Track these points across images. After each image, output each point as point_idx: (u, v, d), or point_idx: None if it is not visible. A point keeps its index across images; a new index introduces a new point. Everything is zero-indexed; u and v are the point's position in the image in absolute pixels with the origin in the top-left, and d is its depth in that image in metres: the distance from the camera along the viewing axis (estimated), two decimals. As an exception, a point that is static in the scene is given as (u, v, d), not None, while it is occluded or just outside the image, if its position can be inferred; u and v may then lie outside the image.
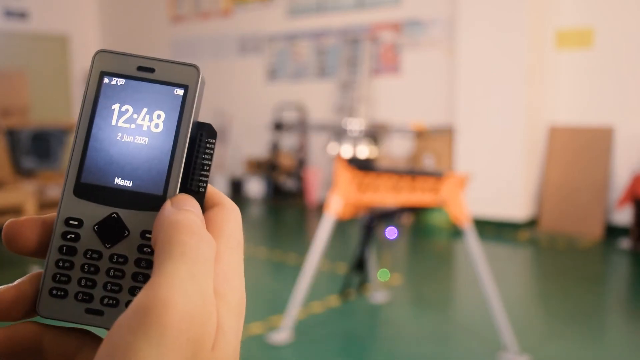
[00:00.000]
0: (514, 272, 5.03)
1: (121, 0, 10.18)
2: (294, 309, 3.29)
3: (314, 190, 7.66)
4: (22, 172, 6.71)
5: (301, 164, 8.12)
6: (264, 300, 4.03)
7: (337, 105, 7.63)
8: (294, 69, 8.16)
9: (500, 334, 3.11)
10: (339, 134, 6.52)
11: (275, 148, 8.20)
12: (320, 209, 6.81)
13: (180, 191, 0.35)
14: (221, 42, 8.84)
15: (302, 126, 8.05)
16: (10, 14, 9.24)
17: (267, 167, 8.24)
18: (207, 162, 0.36)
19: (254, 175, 8.31)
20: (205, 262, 0.31)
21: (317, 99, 7.97)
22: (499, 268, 4.60)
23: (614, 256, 5.39)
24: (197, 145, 0.36)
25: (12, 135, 6.76)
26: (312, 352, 3.22)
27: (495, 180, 6.13)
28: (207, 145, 0.36)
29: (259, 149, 8.58)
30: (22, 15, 9.36)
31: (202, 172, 0.36)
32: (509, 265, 5.15)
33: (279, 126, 8.18)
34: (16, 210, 5.98)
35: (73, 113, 10.16)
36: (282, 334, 3.27)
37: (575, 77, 6.16)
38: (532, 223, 6.26)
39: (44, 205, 6.20)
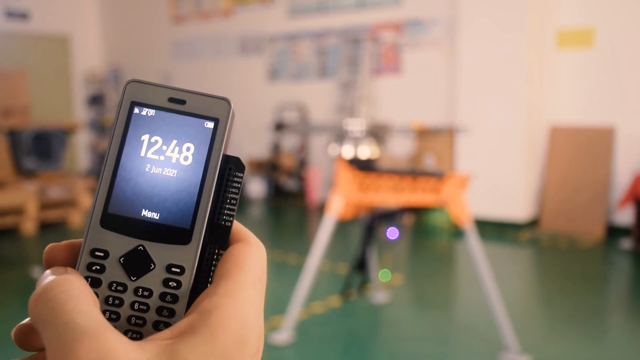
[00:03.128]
0: (515, 272, 5.03)
1: (122, 0, 10.18)
2: (295, 309, 3.28)
3: (315, 190, 7.66)
4: (23, 173, 6.72)
5: (302, 164, 8.12)
6: (265, 300, 4.02)
7: (338, 105, 7.63)
8: (295, 69, 8.16)
9: (501, 334, 3.10)
10: (340, 134, 6.51)
11: (276, 148, 8.20)
12: (321, 209, 6.82)
13: (207, 225, 0.35)
14: (222, 42, 8.85)
15: (303, 126, 8.05)
16: (11, 14, 9.24)
17: (268, 168, 8.24)
18: (234, 195, 0.36)
19: (255, 176, 8.31)
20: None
21: (317, 99, 7.97)
22: (500, 268, 4.60)
23: (615, 256, 5.39)
24: (225, 179, 0.36)
25: (13, 136, 6.76)
26: (313, 352, 3.22)
27: (496, 180, 6.12)
28: (235, 179, 0.36)
29: (259, 149, 8.58)
30: (23, 15, 9.37)
31: (229, 206, 0.35)
32: (510, 266, 5.14)
33: (279, 126, 8.19)
34: (17, 211, 5.98)
35: (74, 113, 10.17)
36: (283, 334, 3.27)
37: (576, 76, 6.15)
38: (533, 223, 6.26)
39: (45, 206, 6.20)
